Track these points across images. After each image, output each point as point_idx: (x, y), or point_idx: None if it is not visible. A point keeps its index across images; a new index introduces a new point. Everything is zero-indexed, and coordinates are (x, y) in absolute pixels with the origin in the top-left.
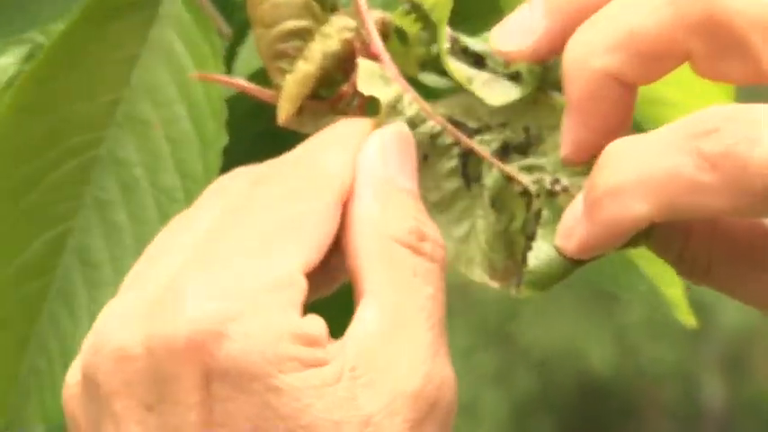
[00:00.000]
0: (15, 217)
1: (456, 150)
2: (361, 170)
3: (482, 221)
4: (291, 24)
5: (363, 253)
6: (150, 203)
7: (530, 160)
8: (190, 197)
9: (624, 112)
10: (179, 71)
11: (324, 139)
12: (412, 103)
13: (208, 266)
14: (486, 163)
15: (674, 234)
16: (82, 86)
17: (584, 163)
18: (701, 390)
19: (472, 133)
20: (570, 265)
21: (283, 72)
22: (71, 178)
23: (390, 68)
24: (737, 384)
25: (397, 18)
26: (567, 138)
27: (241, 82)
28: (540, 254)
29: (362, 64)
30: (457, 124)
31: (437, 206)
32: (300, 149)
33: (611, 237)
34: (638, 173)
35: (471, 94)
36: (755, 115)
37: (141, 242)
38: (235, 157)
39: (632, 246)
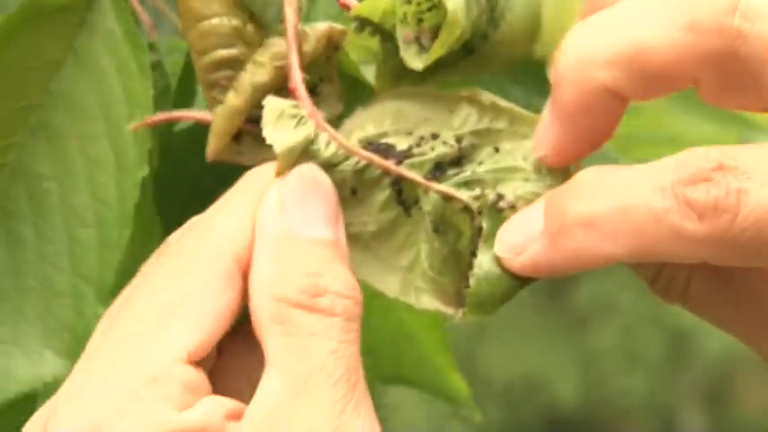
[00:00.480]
0: None
1: (387, 180)
2: (258, 227)
3: (426, 246)
4: (221, 54)
5: (260, 320)
6: (59, 222)
7: (467, 174)
8: (101, 224)
9: (612, 124)
10: (102, 86)
11: (223, 199)
12: (330, 143)
13: (87, 372)
14: (422, 187)
15: None
16: None
17: (550, 170)
18: (677, 422)
19: (402, 157)
20: (516, 282)
21: (217, 103)
22: None
23: (306, 105)
24: (716, 416)
25: (353, 37)
26: (548, 142)
27: (179, 112)
28: (482, 271)
29: (269, 103)
30: (385, 150)
31: (377, 237)
32: (205, 213)
33: (573, 267)
34: (617, 209)
35: (402, 99)
36: (745, 164)
37: (46, 261)
38: (179, 191)
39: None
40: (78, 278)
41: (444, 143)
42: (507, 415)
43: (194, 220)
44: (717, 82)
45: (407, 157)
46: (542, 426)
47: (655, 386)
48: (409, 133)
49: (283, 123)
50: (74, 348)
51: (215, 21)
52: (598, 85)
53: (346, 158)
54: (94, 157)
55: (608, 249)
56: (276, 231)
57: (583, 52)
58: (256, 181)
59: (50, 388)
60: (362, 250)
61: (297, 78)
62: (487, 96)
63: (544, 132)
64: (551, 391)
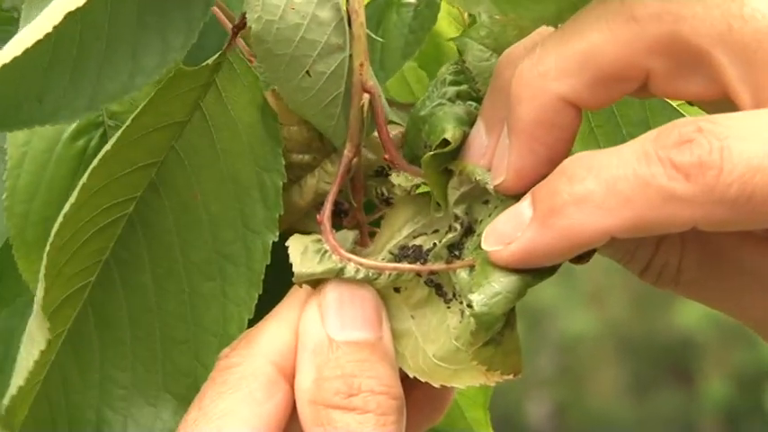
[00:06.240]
0: (38, 265)
1: (423, 279)
2: (300, 337)
3: (460, 327)
4: (294, 158)
5: (305, 423)
6: (180, 273)
7: (474, 238)
8: (225, 278)
9: (572, 138)
10: (227, 147)
11: (269, 314)
12: (358, 269)
13: None
14: (450, 271)
15: (642, 244)
16: (126, 154)
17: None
18: (526, 406)
19: (427, 255)
20: (522, 282)
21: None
22: (98, 235)
23: (329, 241)
24: (565, 400)
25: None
26: (509, 164)
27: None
28: (481, 279)
29: (292, 242)
30: (415, 253)
31: (420, 329)
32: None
33: (565, 248)
34: (606, 181)
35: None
36: (723, 125)
37: (165, 309)
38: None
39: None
40: (199, 328)
41: (452, 228)
42: None
43: (245, 333)
44: (667, 70)
45: (431, 250)
46: None
47: None
48: (432, 222)
49: (309, 257)
50: (192, 394)
51: (294, 128)
52: (554, 96)
53: (379, 274)
54: (218, 214)
55: (601, 222)
56: (315, 340)
57: (535, 68)
58: (299, 295)
59: None
60: (413, 343)
61: (326, 213)
62: (458, 163)
63: (502, 157)
64: None
